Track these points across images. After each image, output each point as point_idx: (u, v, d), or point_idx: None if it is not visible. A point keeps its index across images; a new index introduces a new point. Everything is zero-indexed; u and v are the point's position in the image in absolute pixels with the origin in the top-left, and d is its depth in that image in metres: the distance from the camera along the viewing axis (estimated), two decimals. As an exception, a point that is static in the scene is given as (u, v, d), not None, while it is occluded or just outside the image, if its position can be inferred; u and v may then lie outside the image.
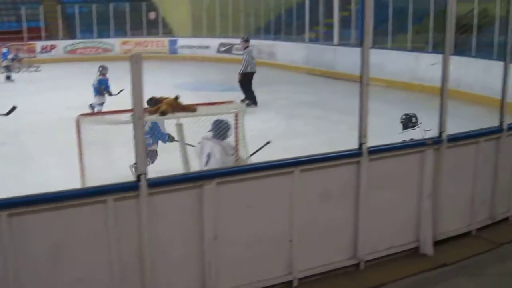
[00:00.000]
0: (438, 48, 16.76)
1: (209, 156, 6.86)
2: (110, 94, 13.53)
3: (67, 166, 8.02)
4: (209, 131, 7.10)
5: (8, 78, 21.70)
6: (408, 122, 8.19)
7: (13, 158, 10.49)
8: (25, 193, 4.21)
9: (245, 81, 16.04)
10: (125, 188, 4.36)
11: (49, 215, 4.12)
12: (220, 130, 7.17)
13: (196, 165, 7.02)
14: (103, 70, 13.74)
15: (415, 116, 8.21)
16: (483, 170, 6.26)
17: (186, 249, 4.68)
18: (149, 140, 8.75)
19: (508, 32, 6.37)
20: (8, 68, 22.04)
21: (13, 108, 11.11)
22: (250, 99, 15.72)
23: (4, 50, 23.21)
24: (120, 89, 12.15)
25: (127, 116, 6.51)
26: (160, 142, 8.87)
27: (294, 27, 25.19)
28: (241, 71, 16.04)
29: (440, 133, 5.81)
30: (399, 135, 7.81)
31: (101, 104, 13.52)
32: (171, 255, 4.62)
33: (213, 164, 6.70)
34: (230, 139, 7.16)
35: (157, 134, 8.78)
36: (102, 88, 13.58)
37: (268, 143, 7.87)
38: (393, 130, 8.23)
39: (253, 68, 16.17)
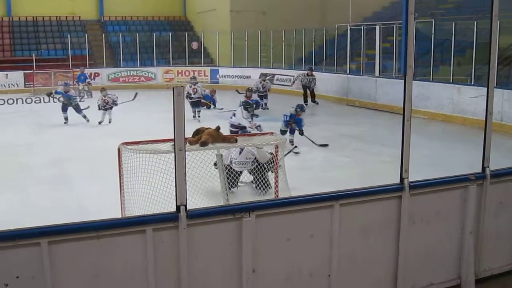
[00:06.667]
0: (480, 80, 16.59)
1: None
2: None
3: (108, 194, 8.11)
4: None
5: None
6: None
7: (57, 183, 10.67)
8: (65, 220, 4.26)
9: None
10: (165, 219, 4.37)
11: (89, 244, 4.15)
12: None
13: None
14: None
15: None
16: (528, 206, 6.11)
17: (224, 281, 4.64)
18: None
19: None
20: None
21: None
22: None
23: None
24: None
25: (168, 146, 6.62)
26: None
27: (335, 58, 25.19)
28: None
29: (484, 168, 5.71)
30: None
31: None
32: (208, 286, 4.60)
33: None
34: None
35: None
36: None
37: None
38: (434, 162, 8.11)
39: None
